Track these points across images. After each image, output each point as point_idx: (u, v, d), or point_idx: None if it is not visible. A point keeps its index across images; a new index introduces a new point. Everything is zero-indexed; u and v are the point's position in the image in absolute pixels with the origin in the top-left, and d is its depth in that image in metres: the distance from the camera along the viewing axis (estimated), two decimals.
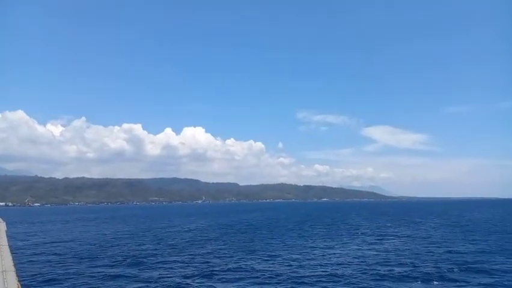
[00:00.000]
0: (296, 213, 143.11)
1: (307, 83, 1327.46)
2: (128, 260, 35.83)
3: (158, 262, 34.62)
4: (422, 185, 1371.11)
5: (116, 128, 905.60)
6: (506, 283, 24.74)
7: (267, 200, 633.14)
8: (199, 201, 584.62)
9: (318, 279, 26.79)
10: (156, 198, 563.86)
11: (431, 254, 37.08)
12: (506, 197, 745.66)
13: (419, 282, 25.44)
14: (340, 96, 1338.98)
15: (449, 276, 26.78)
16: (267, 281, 26.51)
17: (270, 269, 30.78)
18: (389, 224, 78.89)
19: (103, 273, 29.77)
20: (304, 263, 33.62)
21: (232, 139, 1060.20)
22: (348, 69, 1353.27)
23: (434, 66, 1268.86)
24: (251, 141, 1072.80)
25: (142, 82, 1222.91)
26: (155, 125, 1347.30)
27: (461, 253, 37.26)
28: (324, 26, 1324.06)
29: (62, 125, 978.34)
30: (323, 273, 28.86)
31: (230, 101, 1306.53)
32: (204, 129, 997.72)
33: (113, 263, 34.46)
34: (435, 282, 25.13)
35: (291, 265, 32.33)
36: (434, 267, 30.14)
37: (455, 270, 28.88)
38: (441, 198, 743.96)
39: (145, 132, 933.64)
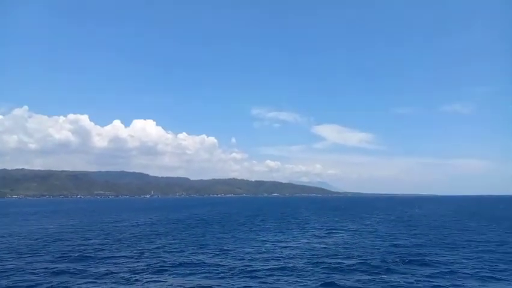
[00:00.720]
0: (247, 208, 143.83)
1: (263, 80, 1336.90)
2: (73, 255, 33.75)
3: (105, 257, 32.92)
4: (367, 181, 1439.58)
5: (62, 118, 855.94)
6: (446, 274, 26.33)
7: (218, 195, 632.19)
8: (148, 196, 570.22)
9: (271, 272, 26.87)
10: (102, 191, 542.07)
11: (378, 247, 38.66)
12: (445, 194, 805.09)
13: (367, 274, 26.36)
14: (293, 94, 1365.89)
15: (395, 269, 28.01)
16: (220, 275, 26.13)
17: (222, 263, 30.41)
18: (336, 219, 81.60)
19: (46, 269, 27.80)
20: (256, 256, 33.64)
21: (184, 133, 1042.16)
22: (302, 69, 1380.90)
23: (383, 69, 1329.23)
24: (204, 136, 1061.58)
25: (90, 72, 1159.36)
26: (103, 116, 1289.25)
27: (405, 246, 39.22)
28: (281, 25, 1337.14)
29: (1, 113, 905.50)
30: (275, 266, 29.01)
31: (183, 95, 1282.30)
32: (154, 122, 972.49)
33: (57, 259, 32.30)
34: (382, 275, 26.11)
35: (243, 259, 32.19)
36: (380, 260, 31.40)
37: (400, 262, 30.26)
38: (385, 195, 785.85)
39: (92, 123, 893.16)
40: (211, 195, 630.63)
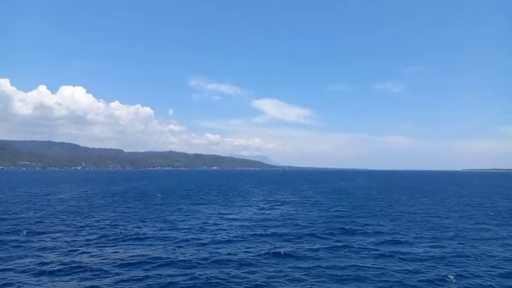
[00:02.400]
0: (188, 181, 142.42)
1: (202, 50, 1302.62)
2: (6, 228, 31.21)
3: (40, 232, 30.59)
4: (304, 156, 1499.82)
5: None
6: (389, 242, 28.36)
7: (155, 168, 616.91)
8: (79, 168, 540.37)
9: (220, 244, 26.93)
10: (28, 162, 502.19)
11: (321, 217, 40.68)
12: (375, 168, 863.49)
13: (314, 243, 27.50)
14: (234, 67, 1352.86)
15: (340, 238, 29.68)
16: (167, 248, 25.56)
17: (168, 235, 29.81)
18: (277, 191, 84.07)
19: None
20: (204, 228, 33.52)
21: (117, 102, 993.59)
22: (244, 43, 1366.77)
23: (321, 48, 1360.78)
24: (138, 106, 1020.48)
25: (12, 31, 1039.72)
26: (27, 80, 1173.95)
27: (347, 217, 41.62)
28: (224, 2, 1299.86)
29: None
30: (224, 238, 29.12)
31: (115, 60, 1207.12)
32: (84, 90, 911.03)
33: None
34: (329, 244, 27.44)
35: (190, 231, 31.85)
36: (325, 229, 33.07)
37: (343, 232, 32.15)
38: (320, 168, 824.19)
39: (14, 88, 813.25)
40: (146, 168, 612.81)
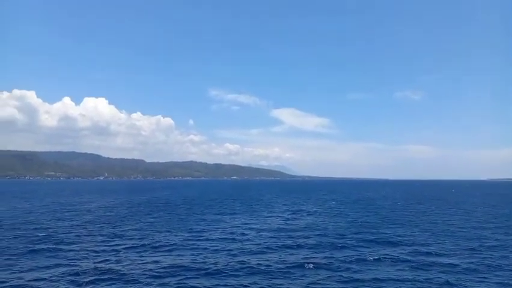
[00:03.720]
0: (210, 191, 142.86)
1: (221, 60, 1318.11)
2: (37, 238, 31.87)
3: (74, 242, 31.02)
4: (323, 165, 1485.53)
5: (5, 93, 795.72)
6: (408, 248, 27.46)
7: (175, 178, 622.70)
8: (101, 178, 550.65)
9: (252, 254, 26.60)
10: (53, 173, 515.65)
11: (349, 228, 39.77)
12: (396, 178, 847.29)
13: (350, 253, 26.82)
14: (252, 77, 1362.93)
15: (369, 247, 28.89)
16: (201, 257, 25.40)
17: (200, 245, 29.70)
18: (300, 201, 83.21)
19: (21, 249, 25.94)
20: (234, 238, 33.26)
21: (139, 113, 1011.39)
22: (262, 53, 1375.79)
23: (340, 57, 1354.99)
24: (159, 117, 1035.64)
25: (37, 45, 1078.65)
26: (52, 92, 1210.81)
27: (374, 227, 40.59)
28: (245, 13, 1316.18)
29: None
30: (254, 247, 28.78)
31: (138, 73, 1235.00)
32: (107, 101, 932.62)
33: (25, 243, 30.06)
34: (360, 253, 26.71)
35: (219, 241, 31.66)
36: (355, 240, 32.25)
37: (372, 242, 31.31)
38: (339, 178, 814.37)
39: (40, 100, 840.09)
40: (167, 178, 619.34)
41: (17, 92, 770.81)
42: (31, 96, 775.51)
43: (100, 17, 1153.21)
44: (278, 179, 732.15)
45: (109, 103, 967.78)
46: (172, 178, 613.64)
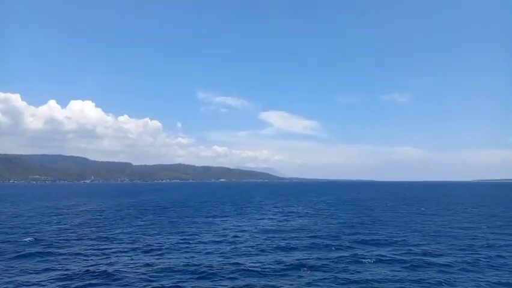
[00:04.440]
0: (199, 193, 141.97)
1: (209, 63, 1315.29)
2: (26, 241, 31.25)
3: (63, 246, 30.30)
4: (311, 167, 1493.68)
5: None
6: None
7: (163, 181, 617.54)
8: (88, 181, 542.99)
9: (246, 256, 26.37)
10: (38, 176, 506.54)
11: (341, 229, 39.84)
12: (383, 180, 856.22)
13: (344, 254, 26.80)
14: (241, 80, 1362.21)
15: (362, 248, 28.93)
16: (195, 260, 25.05)
17: (193, 248, 29.34)
18: (290, 203, 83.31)
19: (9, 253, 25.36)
20: (226, 240, 32.95)
21: (126, 116, 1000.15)
22: (250, 55, 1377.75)
23: (328, 61, 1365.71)
24: (147, 119, 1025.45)
25: (21, 46, 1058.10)
26: (37, 95, 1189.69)
27: (366, 228, 40.76)
28: (233, 17, 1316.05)
29: None
30: (248, 249, 28.54)
31: (124, 75, 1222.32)
32: (93, 104, 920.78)
33: (13, 247, 29.27)
34: (354, 253, 26.75)
35: (212, 243, 31.32)
36: (348, 240, 32.28)
37: (363, 242, 31.44)
38: (327, 180, 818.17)
39: (25, 103, 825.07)
40: (155, 181, 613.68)
41: (1, 94, 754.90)
42: (16, 99, 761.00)
43: (86, 19, 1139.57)
44: (267, 181, 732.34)
45: (96, 106, 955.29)
46: (160, 181, 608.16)
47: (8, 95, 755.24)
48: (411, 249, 28.56)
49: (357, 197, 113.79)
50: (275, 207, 72.07)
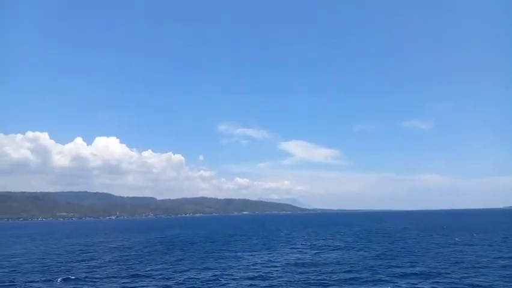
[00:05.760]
0: (224, 227, 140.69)
1: (229, 95, 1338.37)
2: (63, 279, 31.56)
3: (98, 281, 30.23)
4: (334, 197, 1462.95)
5: (19, 136, 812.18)
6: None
7: (187, 215, 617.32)
8: (113, 217, 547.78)
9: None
10: (65, 213, 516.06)
11: (381, 261, 38.26)
12: (408, 209, 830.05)
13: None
14: (260, 110, 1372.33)
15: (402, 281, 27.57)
16: None
17: (230, 284, 28.67)
18: (318, 236, 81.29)
19: None
20: (261, 275, 32.15)
21: (149, 151, 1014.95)
22: (267, 86, 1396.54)
23: (345, 87, 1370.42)
24: (170, 154, 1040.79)
25: (49, 87, 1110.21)
26: (64, 133, 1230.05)
27: (404, 260, 39.07)
28: (246, 45, 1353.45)
29: None
30: (283, 283, 27.67)
31: (148, 111, 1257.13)
32: (118, 140, 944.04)
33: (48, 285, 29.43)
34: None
35: (248, 279, 30.57)
36: (387, 274, 30.88)
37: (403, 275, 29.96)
38: (352, 211, 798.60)
39: (53, 141, 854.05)
40: (179, 215, 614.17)
41: (30, 134, 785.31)
42: (44, 137, 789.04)
43: (106, 58, 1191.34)
44: (290, 212, 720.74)
45: (120, 142, 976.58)
46: (184, 215, 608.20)
47: (37, 133, 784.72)
48: (454, 282, 27.00)
49: (386, 227, 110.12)
50: (304, 240, 70.39)
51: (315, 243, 62.80)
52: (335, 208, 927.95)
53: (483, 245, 52.57)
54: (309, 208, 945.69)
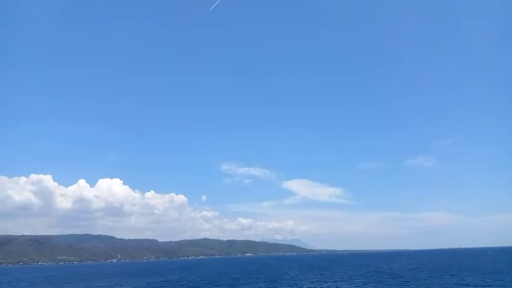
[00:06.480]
0: (229, 271, 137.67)
1: (231, 133, 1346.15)
2: None
3: None
4: (339, 237, 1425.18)
5: (23, 178, 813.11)
6: None
7: (189, 257, 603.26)
8: (114, 260, 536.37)
9: None
10: (66, 257, 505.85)
11: None
12: (415, 248, 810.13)
13: None
14: (262, 149, 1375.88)
15: None
16: None
17: None
18: (326, 278, 79.54)
19: None
20: None
21: (152, 191, 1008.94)
22: (268, 124, 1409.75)
23: (348, 126, 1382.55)
24: (173, 194, 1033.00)
25: (52, 129, 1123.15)
26: (68, 175, 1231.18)
27: None
28: (246, 81, 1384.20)
29: None
30: None
31: (151, 152, 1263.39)
32: (121, 181, 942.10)
33: None
34: None
35: None
36: None
37: None
38: (358, 251, 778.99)
39: (56, 183, 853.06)
40: (181, 257, 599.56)
41: (34, 176, 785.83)
42: (48, 180, 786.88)
43: (108, 100, 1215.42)
44: (294, 254, 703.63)
45: (124, 183, 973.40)
46: (186, 258, 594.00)
47: (41, 176, 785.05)
48: None
49: (395, 268, 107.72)
50: (312, 282, 69.07)
51: (323, 285, 61.65)
52: (340, 248, 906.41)
53: (496, 286, 51.62)
54: (314, 249, 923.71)
